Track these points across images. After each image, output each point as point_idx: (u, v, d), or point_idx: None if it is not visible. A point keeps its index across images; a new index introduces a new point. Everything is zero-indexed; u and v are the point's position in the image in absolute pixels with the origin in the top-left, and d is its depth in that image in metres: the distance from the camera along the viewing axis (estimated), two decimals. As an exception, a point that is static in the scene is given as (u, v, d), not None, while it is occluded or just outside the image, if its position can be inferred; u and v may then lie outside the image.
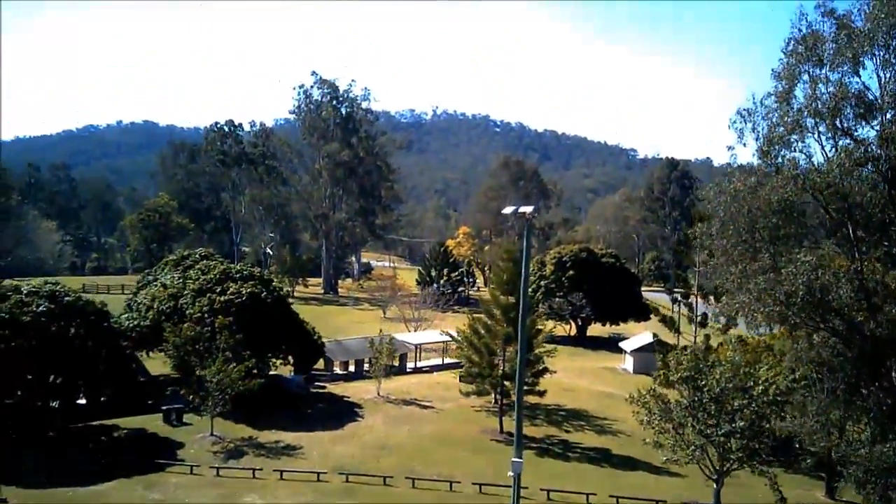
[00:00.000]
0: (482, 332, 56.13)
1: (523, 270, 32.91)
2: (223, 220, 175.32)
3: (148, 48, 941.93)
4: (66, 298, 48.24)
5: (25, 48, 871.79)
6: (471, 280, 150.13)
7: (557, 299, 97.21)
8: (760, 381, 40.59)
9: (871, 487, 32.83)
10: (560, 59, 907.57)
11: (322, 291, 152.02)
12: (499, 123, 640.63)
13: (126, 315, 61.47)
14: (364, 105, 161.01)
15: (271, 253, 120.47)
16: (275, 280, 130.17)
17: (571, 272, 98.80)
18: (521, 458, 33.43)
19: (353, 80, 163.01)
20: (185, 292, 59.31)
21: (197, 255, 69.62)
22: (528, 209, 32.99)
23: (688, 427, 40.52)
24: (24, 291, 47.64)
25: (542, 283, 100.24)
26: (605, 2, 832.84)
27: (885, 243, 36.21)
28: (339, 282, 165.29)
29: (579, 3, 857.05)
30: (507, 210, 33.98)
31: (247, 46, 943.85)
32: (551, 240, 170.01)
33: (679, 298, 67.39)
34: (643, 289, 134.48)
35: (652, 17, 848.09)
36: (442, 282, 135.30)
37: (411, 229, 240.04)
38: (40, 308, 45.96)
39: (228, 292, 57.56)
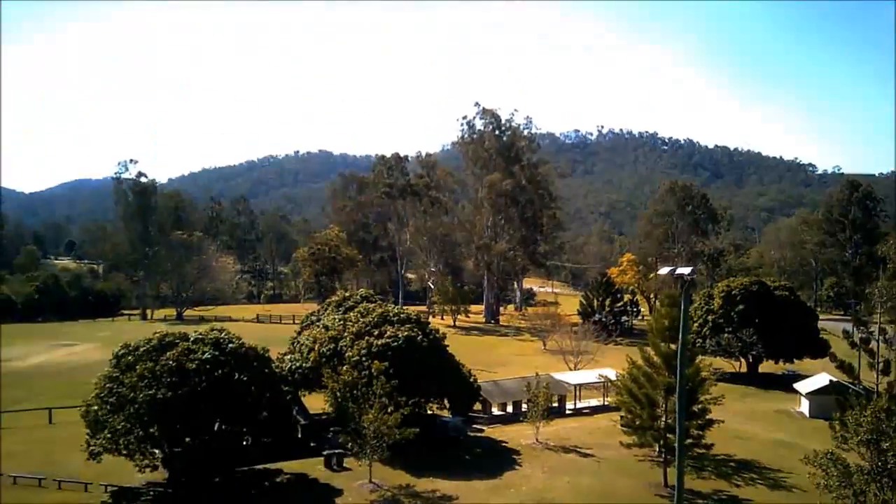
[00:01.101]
0: (643, 380, 53.67)
1: (681, 335, 30.78)
2: (389, 249, 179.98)
3: (322, 83, 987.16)
4: (230, 345, 49.87)
5: (211, 86, 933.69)
6: (635, 309, 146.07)
7: (726, 335, 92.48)
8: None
9: None
10: (732, 73, 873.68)
11: (483, 320, 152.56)
12: (667, 141, 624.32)
13: (290, 356, 63.47)
14: (526, 133, 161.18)
15: (432, 287, 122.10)
16: (436, 310, 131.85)
17: (741, 306, 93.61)
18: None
19: (515, 110, 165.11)
20: (345, 335, 60.32)
21: (358, 297, 71.18)
22: (685, 271, 30.78)
23: (870, 494, 37.04)
24: (191, 339, 49.60)
25: (710, 317, 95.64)
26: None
27: None
28: (501, 309, 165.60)
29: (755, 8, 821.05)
30: (664, 271, 31.99)
31: (413, 77, 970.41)
32: (721, 267, 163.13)
33: (858, 343, 62.16)
34: (822, 317, 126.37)
35: (838, 26, 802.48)
36: (604, 312, 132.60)
37: (574, 254, 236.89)
38: (205, 355, 47.74)
39: (385, 336, 58.09)
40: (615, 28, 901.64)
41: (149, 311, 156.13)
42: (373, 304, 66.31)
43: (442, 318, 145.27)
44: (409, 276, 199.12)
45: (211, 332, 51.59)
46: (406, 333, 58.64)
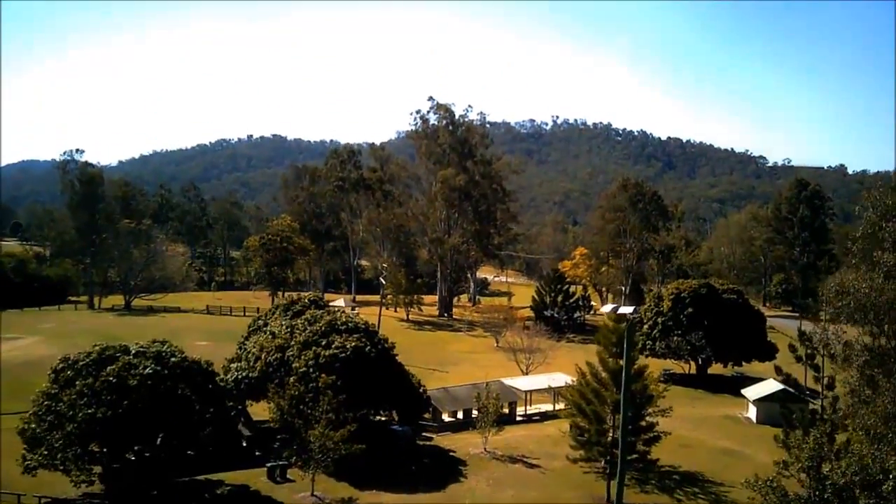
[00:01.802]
0: (591, 397, 53.81)
1: (624, 373, 30.74)
2: (342, 239, 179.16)
3: (276, 67, 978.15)
4: (173, 359, 48.94)
5: (164, 67, 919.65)
6: (587, 305, 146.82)
7: (675, 338, 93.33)
8: (891, 476, 37.05)
9: None
10: (683, 66, 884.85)
11: (437, 314, 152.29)
12: (620, 132, 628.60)
13: (235, 364, 62.54)
14: (480, 128, 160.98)
15: (384, 282, 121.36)
16: (388, 301, 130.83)
17: (690, 309, 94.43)
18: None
19: (469, 106, 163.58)
20: (292, 343, 59.62)
21: (306, 301, 70.38)
22: (628, 310, 30.77)
23: (808, 523, 37.44)
24: (132, 352, 48.52)
25: (660, 319, 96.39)
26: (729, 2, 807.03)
27: None
28: (455, 300, 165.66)
29: (707, 5, 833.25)
30: (607, 308, 31.99)
31: (369, 62, 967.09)
32: (672, 263, 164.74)
33: (804, 358, 63.27)
34: (771, 314, 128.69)
35: (777, 26, 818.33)
36: (556, 308, 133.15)
37: (529, 244, 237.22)
38: (147, 370, 46.73)
39: (333, 346, 57.46)
40: (570, 23, 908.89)
41: (96, 300, 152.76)
42: (321, 311, 65.62)
43: (395, 311, 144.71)
44: (364, 263, 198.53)
45: (153, 344, 50.62)
46: (354, 344, 58.03)
